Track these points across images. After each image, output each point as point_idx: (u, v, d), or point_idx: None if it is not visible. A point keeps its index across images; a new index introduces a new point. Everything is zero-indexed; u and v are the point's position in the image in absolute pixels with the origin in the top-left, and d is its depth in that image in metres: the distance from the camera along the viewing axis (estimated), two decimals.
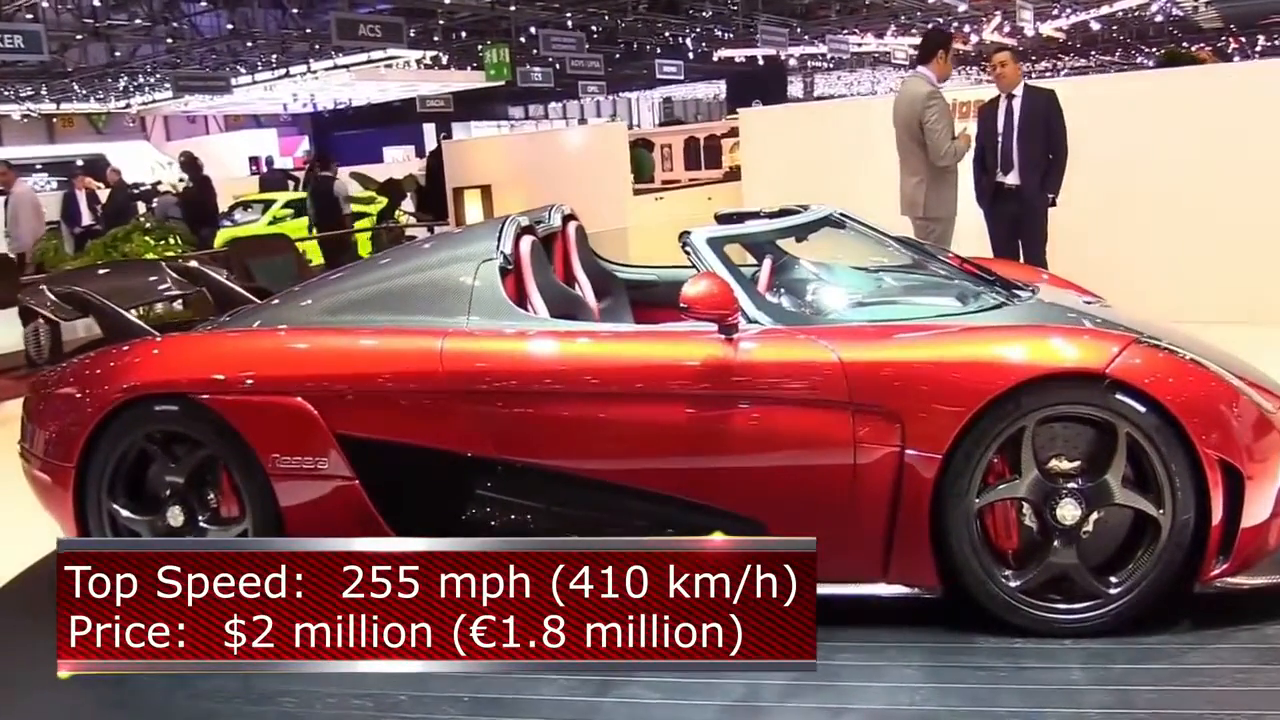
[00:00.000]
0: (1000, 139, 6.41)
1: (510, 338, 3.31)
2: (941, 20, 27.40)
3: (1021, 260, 6.35)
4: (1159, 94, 7.62)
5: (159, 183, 12.53)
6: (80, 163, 22.85)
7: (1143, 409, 2.84)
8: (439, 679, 2.85)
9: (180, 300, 5.15)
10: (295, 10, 22.82)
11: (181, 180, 13.35)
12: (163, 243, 8.67)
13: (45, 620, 3.45)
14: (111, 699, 3.00)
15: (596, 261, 4.58)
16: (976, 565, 2.94)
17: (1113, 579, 2.94)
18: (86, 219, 14.01)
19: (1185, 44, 31.67)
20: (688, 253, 3.39)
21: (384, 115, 34.51)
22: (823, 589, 3.00)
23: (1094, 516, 2.93)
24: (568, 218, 4.50)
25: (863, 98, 32.21)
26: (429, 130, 32.73)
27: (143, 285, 4.68)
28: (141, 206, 15.09)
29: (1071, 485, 2.93)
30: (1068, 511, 2.90)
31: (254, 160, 28.36)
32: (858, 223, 4.04)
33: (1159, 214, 7.34)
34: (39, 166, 26.69)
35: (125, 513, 3.46)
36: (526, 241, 3.68)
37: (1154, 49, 34.61)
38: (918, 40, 7.38)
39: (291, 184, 18.45)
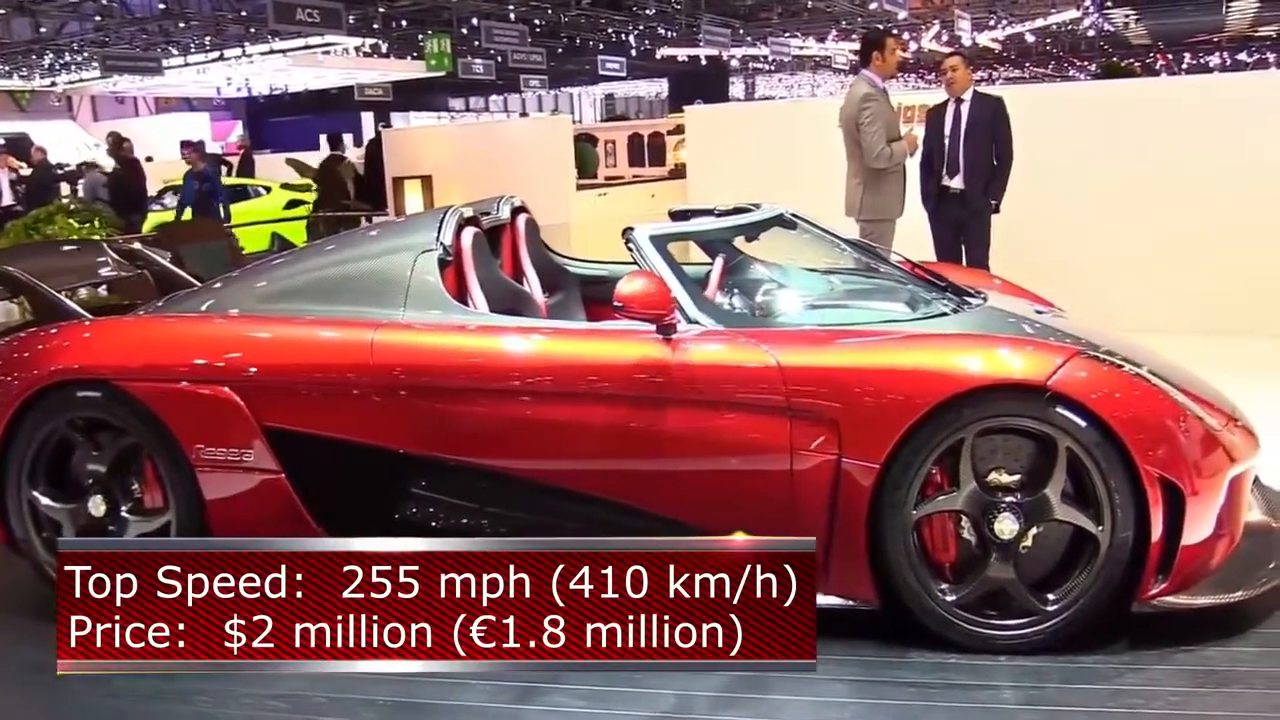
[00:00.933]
0: (947, 142, 6.46)
1: (444, 331, 3.24)
2: (881, 26, 27.74)
3: (964, 264, 6.40)
4: (1104, 103, 7.74)
5: (84, 163, 12.09)
6: (2, 141, 22.14)
7: (1083, 423, 2.80)
8: (358, 681, 2.81)
9: (106, 285, 5.01)
10: None
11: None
12: (87, 225, 8.36)
13: None
14: (25, 699, 2.95)
15: (548, 256, 4.50)
16: (912, 578, 2.90)
17: (1050, 596, 2.89)
18: (8, 199, 13.59)
19: (1115, 58, 32.47)
20: (630, 250, 3.33)
21: (321, 102, 33.91)
22: None
23: (1033, 532, 2.89)
24: (518, 210, 4.41)
25: (809, 99, 32.47)
26: (367, 119, 32.23)
27: (81, 266, 4.60)
28: (66, 187, 14.65)
29: (1010, 499, 2.88)
30: (1005, 526, 2.86)
31: (185, 144, 27.67)
32: (809, 224, 4.01)
33: (1105, 222, 7.45)
34: None
35: (45, 500, 3.38)
36: (469, 233, 3.60)
37: (1086, 62, 35.47)
38: (858, 45, 7.41)
39: (225, 169, 18.06)
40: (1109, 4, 27.74)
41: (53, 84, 29.27)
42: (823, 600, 2.96)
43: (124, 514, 3.35)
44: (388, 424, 3.17)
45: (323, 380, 3.22)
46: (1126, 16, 29.52)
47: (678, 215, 4.11)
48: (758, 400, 2.96)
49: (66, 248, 5.65)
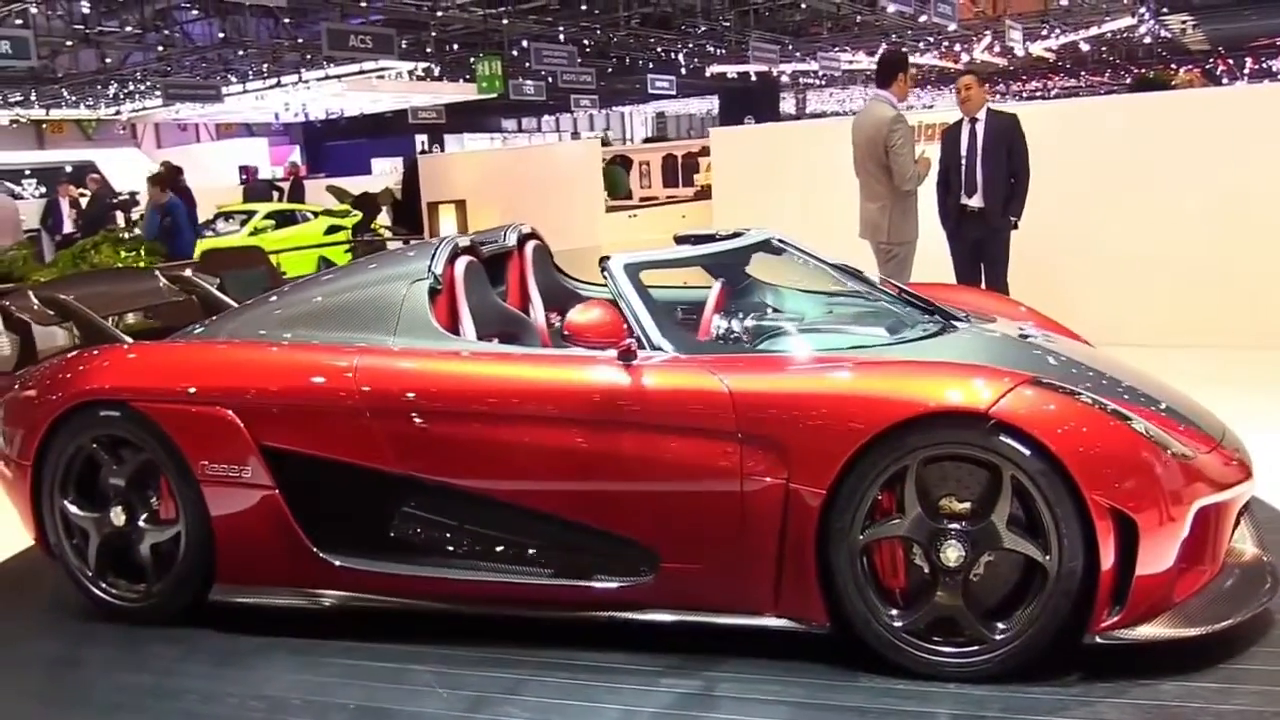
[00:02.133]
0: (964, 161, 6.44)
1: (422, 357, 3.39)
2: (932, 39, 27.51)
3: (983, 283, 6.38)
4: (1123, 119, 7.67)
5: (135, 193, 12.34)
6: (69, 169, 22.89)
7: (1027, 452, 2.77)
8: (331, 686, 3.06)
9: (155, 309, 5.28)
10: (287, 20, 22.84)
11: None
12: (133, 254, 8.64)
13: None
14: (41, 688, 3.31)
15: (560, 281, 4.60)
16: (860, 602, 2.91)
17: (999, 625, 2.87)
18: (68, 227, 14.03)
19: (1174, 65, 31.88)
20: (605, 278, 3.42)
21: (375, 126, 34.54)
22: (718, 619, 3.06)
23: (984, 559, 2.87)
24: (527, 237, 4.52)
25: (829, 119, 32.19)
26: (421, 141, 32.74)
27: (136, 291, 4.97)
28: (120, 217, 15.07)
29: (956, 527, 2.87)
30: (951, 553, 2.85)
31: (243, 169, 28.39)
32: (796, 249, 4.04)
33: (1120, 237, 7.38)
34: (28, 172, 26.66)
35: (74, 509, 3.65)
36: (462, 262, 3.73)
37: (1143, 70, 34.80)
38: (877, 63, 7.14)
39: (276, 195, 18.44)
40: (1165, 10, 27.24)
41: (117, 112, 30.12)
42: (774, 622, 3.02)
43: (141, 524, 3.59)
44: (371, 445, 3.31)
45: (310, 403, 3.39)
46: (1183, 22, 28.97)
47: (683, 240, 4.19)
48: (709, 426, 3.01)
49: (124, 275, 6.02)
